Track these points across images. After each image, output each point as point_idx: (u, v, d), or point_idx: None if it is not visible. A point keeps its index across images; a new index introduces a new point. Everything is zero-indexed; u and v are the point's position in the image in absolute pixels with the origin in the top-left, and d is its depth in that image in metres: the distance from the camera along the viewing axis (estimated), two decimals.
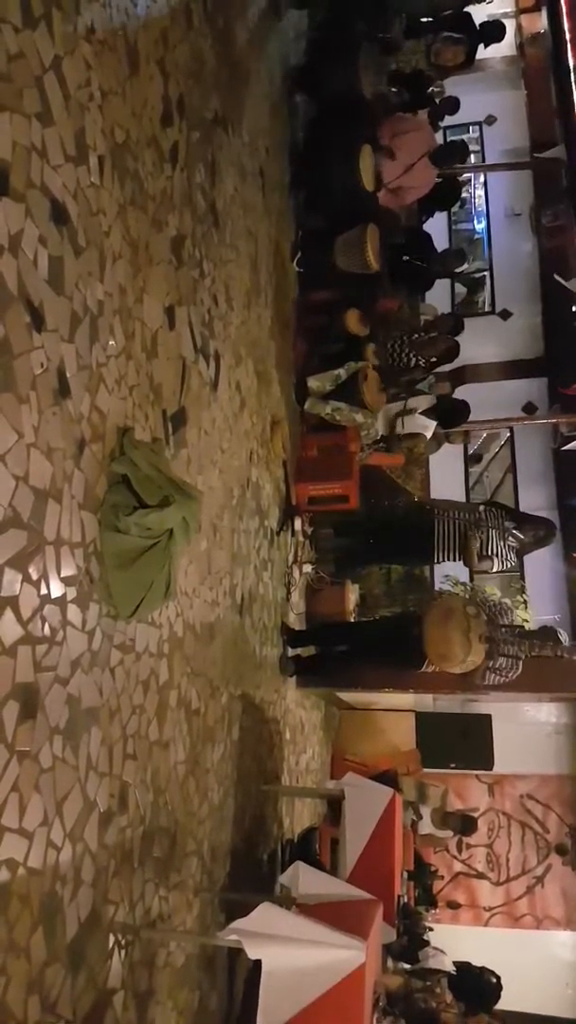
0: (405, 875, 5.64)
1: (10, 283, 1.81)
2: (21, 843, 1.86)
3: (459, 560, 5.08)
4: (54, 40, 2.04)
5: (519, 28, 10.21)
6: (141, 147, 2.66)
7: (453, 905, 7.78)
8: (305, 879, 3.26)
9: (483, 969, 5.66)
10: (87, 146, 2.22)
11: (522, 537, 5.10)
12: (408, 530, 5.50)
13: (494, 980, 5.51)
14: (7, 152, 1.81)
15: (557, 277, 8.21)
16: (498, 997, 5.46)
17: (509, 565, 5.05)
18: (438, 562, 5.12)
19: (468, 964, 5.83)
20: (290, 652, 4.98)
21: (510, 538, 5.00)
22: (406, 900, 5.70)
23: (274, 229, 4.93)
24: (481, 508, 5.37)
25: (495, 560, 4.95)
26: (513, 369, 9.43)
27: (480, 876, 7.92)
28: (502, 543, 4.98)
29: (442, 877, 7.69)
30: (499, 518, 5.13)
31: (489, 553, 4.94)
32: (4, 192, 1.79)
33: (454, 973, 5.62)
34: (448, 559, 5.12)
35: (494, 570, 4.88)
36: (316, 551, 5.79)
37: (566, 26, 8.21)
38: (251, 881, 3.87)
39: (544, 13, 9.01)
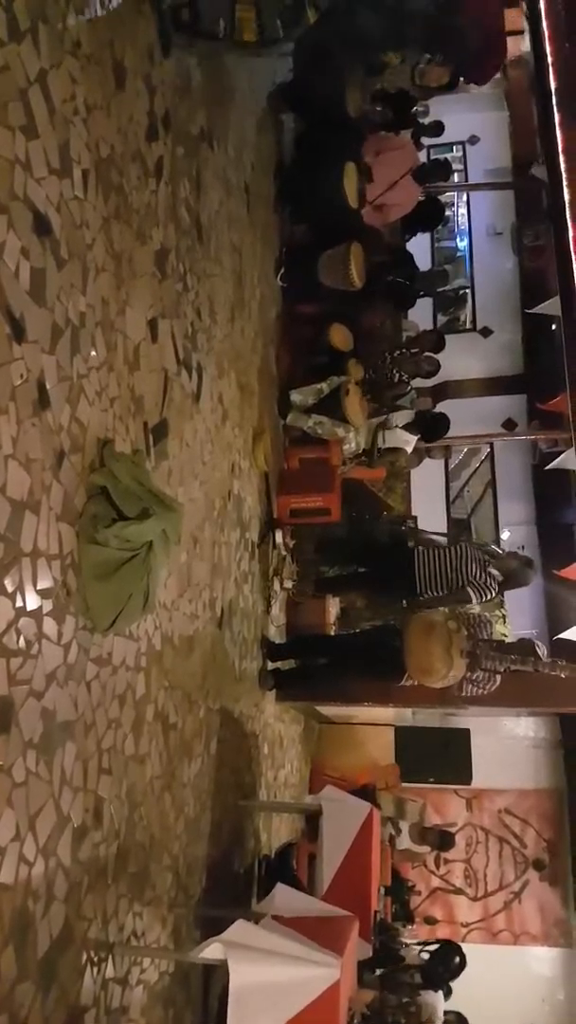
0: (382, 890, 5.63)
1: None
2: None
3: (441, 593, 5.11)
4: (40, 54, 2.05)
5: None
6: (126, 161, 2.67)
7: (430, 921, 7.76)
8: (282, 900, 3.24)
9: (449, 949, 5.78)
10: (72, 159, 2.23)
11: (501, 575, 5.15)
12: (390, 566, 5.54)
13: (457, 959, 5.63)
14: None
15: (530, 311, 8.34)
16: (460, 970, 5.60)
17: (490, 597, 5.10)
18: (421, 596, 5.16)
19: (435, 950, 5.92)
20: (270, 665, 4.97)
21: (491, 570, 5.05)
22: (383, 916, 5.69)
23: (259, 244, 4.96)
24: (462, 544, 5.43)
25: (476, 596, 4.99)
26: (493, 386, 9.53)
27: (458, 892, 7.91)
28: (484, 576, 5.03)
29: (419, 892, 7.67)
30: (480, 556, 5.18)
31: (470, 591, 4.98)
32: None
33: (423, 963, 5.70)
34: (431, 592, 5.16)
35: (474, 603, 4.92)
36: (298, 565, 5.79)
37: (548, 49, 8.34)
38: (227, 897, 3.84)
39: (527, 36, 9.16)
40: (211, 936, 2.62)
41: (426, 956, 5.89)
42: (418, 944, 6.10)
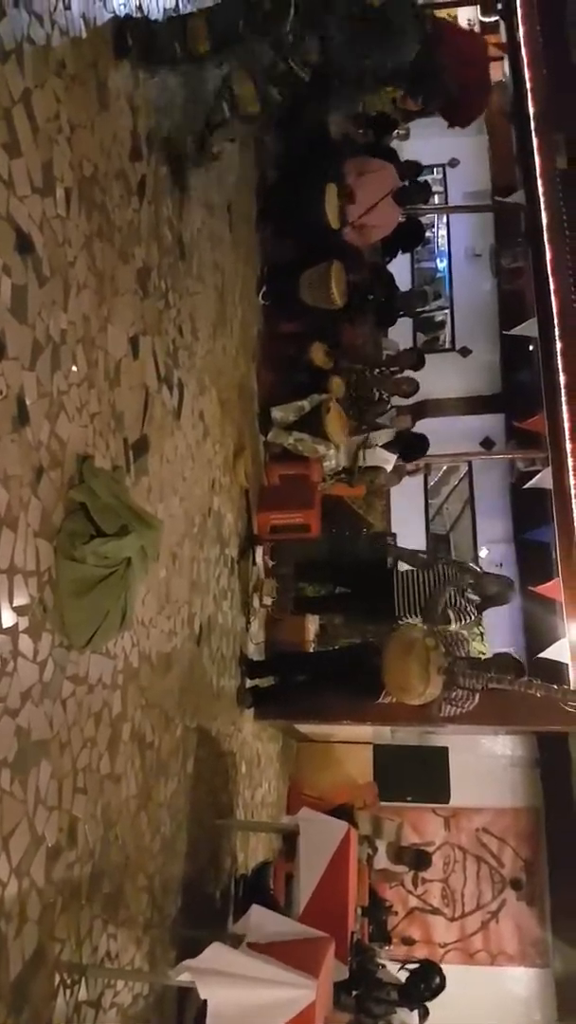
0: (359, 911, 5.60)
1: None
2: None
3: (419, 616, 5.14)
4: (24, 74, 2.07)
5: None
6: (109, 180, 2.69)
7: (408, 941, 7.71)
8: (257, 920, 3.22)
9: (430, 969, 5.75)
10: (55, 178, 2.24)
11: (478, 596, 5.19)
12: (368, 587, 5.57)
13: (438, 980, 5.59)
14: None
15: (507, 332, 8.45)
16: (439, 991, 5.57)
17: (469, 620, 5.14)
18: (399, 617, 5.18)
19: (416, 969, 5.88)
20: (248, 683, 4.96)
21: (469, 593, 5.09)
22: (359, 936, 5.66)
23: (240, 262, 4.99)
24: (440, 565, 5.47)
25: (455, 618, 5.02)
26: (472, 405, 9.64)
27: (435, 911, 7.87)
28: (462, 599, 5.07)
29: (396, 913, 7.62)
30: (457, 576, 5.22)
31: (449, 613, 5.02)
32: None
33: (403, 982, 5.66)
34: (410, 616, 5.19)
35: (452, 627, 4.95)
36: (277, 582, 5.79)
37: (527, 75, 8.52)
38: (203, 917, 3.80)
39: (506, 62, 9.34)
40: (186, 958, 2.59)
41: (406, 974, 5.85)
42: (398, 962, 6.06)
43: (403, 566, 5.78)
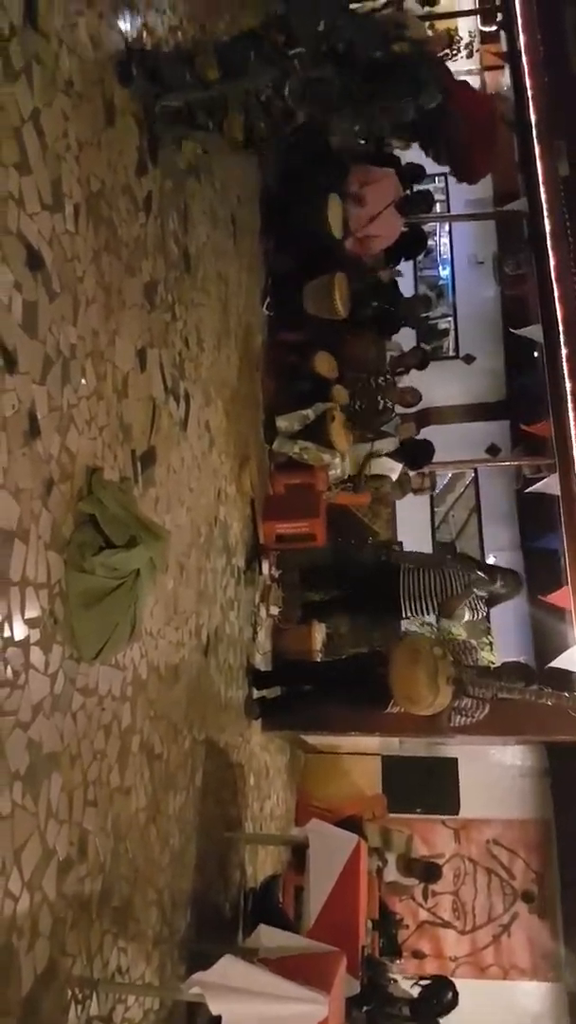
0: (369, 924, 5.57)
1: None
2: None
3: (431, 613, 5.10)
4: (33, 93, 2.09)
5: (484, 85, 10.63)
6: (116, 195, 2.71)
7: (418, 955, 7.65)
8: (266, 937, 3.20)
9: (442, 984, 5.71)
10: (63, 194, 2.26)
11: (490, 588, 5.17)
12: (374, 586, 5.55)
13: (450, 995, 5.55)
14: None
15: (514, 331, 8.45)
16: (452, 1007, 5.55)
17: (479, 616, 5.11)
18: (406, 617, 5.14)
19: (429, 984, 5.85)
20: (255, 694, 4.94)
21: (478, 589, 5.07)
22: (370, 951, 5.62)
23: (245, 273, 5.01)
24: (448, 559, 5.44)
25: (468, 609, 5.00)
26: (477, 412, 9.63)
27: (446, 925, 7.81)
28: (471, 592, 5.04)
29: (407, 926, 7.57)
30: (466, 570, 5.19)
31: (463, 608, 5.00)
32: None
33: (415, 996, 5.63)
34: (416, 614, 5.16)
35: (464, 620, 4.93)
36: (283, 592, 5.79)
37: (528, 84, 8.54)
38: (213, 931, 3.78)
39: (507, 71, 9.38)
40: (197, 972, 2.58)
41: (419, 989, 5.81)
42: (411, 977, 6.01)
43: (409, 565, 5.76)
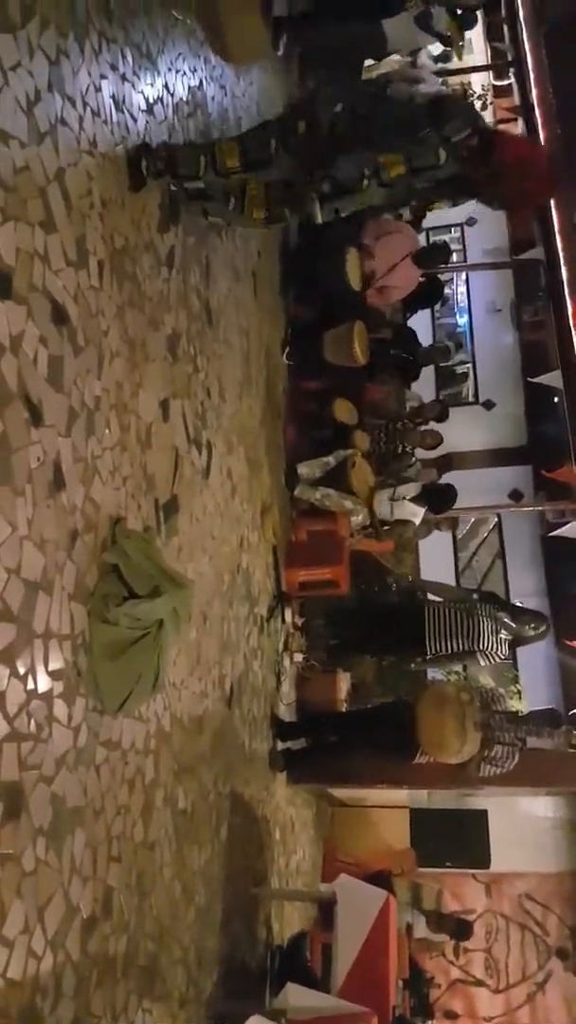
0: (400, 984, 5.38)
1: (10, 381, 1.86)
2: (1, 953, 1.77)
3: (459, 648, 5.01)
4: (58, 153, 2.16)
5: None
6: (139, 252, 2.77)
7: (451, 1015, 7.37)
8: (294, 996, 3.10)
9: None
10: (87, 251, 2.31)
11: (515, 628, 5.10)
12: (399, 624, 5.47)
13: None
14: (11, 258, 1.88)
15: (532, 379, 8.49)
16: None
17: (501, 657, 5.02)
18: (432, 653, 5.05)
19: None
20: (280, 745, 4.87)
21: (503, 630, 4.99)
22: (401, 1011, 5.42)
23: (266, 324, 5.09)
24: (475, 596, 5.38)
25: (485, 660, 4.93)
26: (498, 457, 9.64)
27: (478, 983, 7.52)
28: (494, 637, 4.97)
29: (438, 985, 7.30)
30: (493, 609, 5.12)
31: (481, 657, 4.92)
32: (7, 295, 1.86)
33: None
34: (443, 649, 5.06)
35: (483, 663, 4.85)
36: (307, 638, 5.74)
37: (542, 136, 8.73)
38: (239, 990, 3.67)
39: (520, 123, 9.60)
40: None
41: None
42: None
43: (434, 599, 5.69)
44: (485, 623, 5.01)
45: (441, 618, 5.11)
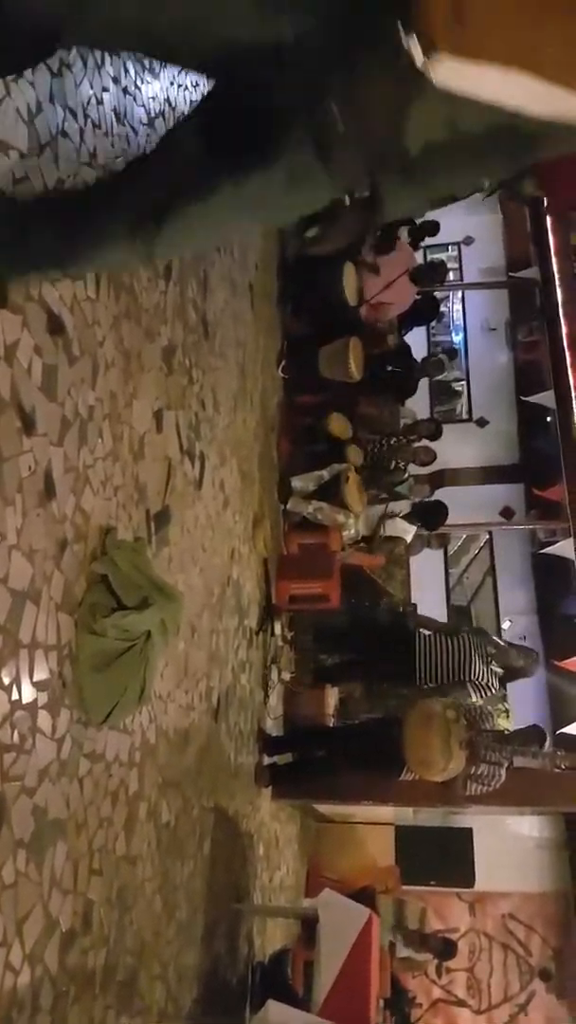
0: (381, 1003, 5.33)
1: (3, 390, 1.86)
2: None
3: (451, 680, 4.99)
4: (58, 165, 2.17)
5: None
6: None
7: None
8: (276, 1015, 3.07)
9: None
10: None
11: (507, 661, 5.10)
12: (390, 650, 5.46)
13: None
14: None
15: (525, 398, 8.55)
16: None
17: (493, 691, 5.02)
18: (420, 685, 5.04)
19: None
20: (266, 760, 4.85)
21: (493, 665, 5.00)
22: None
23: (262, 337, 5.11)
24: (464, 631, 5.38)
25: (476, 693, 4.92)
26: (490, 474, 9.67)
27: (460, 1003, 7.47)
28: (485, 667, 4.97)
29: (420, 1004, 7.24)
30: (481, 645, 5.12)
31: (471, 688, 4.91)
32: (3, 304, 1.86)
33: None
34: (433, 681, 5.05)
35: (472, 699, 4.83)
36: (296, 652, 5.73)
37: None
38: (219, 1007, 3.64)
39: None
40: None
41: None
42: None
43: (426, 631, 5.68)
44: (476, 653, 5.00)
45: (432, 649, 5.10)
